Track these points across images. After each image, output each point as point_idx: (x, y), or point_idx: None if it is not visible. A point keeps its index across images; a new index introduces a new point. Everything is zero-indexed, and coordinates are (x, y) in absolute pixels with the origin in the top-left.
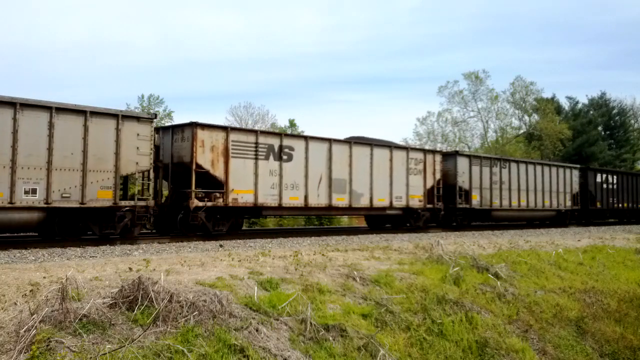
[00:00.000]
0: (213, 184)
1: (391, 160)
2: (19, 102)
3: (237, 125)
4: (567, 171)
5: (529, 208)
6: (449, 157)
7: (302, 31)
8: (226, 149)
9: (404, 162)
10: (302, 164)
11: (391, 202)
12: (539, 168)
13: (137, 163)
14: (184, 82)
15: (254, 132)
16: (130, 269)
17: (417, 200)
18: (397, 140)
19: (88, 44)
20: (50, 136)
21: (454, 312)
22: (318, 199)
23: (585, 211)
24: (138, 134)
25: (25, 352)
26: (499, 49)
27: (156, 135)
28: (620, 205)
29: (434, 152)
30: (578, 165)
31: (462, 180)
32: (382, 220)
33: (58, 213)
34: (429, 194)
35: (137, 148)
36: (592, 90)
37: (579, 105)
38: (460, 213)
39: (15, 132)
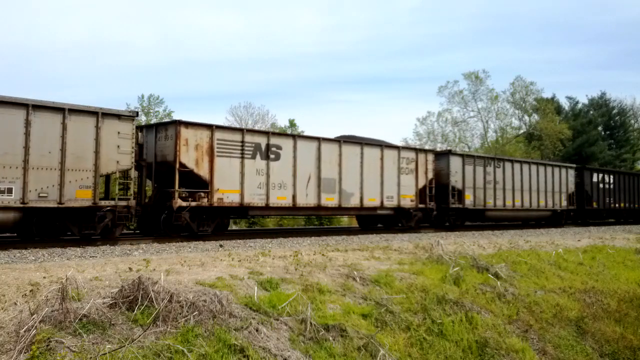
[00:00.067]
0: (197, 184)
1: (382, 159)
2: None
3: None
4: (563, 171)
5: (523, 208)
6: (442, 156)
7: (302, 31)
8: (211, 148)
9: (395, 161)
10: (290, 163)
11: (382, 202)
12: (534, 167)
13: (117, 162)
14: (184, 82)
15: (240, 130)
16: (130, 269)
17: (408, 200)
18: (397, 140)
19: (88, 44)
20: (27, 134)
21: (454, 312)
22: (307, 199)
23: (581, 211)
24: (119, 132)
25: (25, 352)
26: (499, 49)
27: (139, 134)
28: (617, 205)
29: (426, 151)
30: (574, 165)
31: (455, 180)
32: (373, 220)
33: (36, 213)
34: (421, 194)
35: (118, 146)
36: (592, 90)
37: (579, 105)
38: (453, 213)
39: None
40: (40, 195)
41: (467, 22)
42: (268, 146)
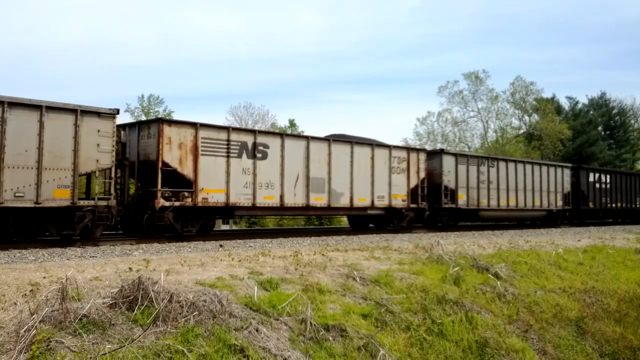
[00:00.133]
0: (181, 183)
1: (373, 158)
2: None
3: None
4: (559, 170)
5: (518, 208)
6: (434, 155)
7: (302, 31)
8: (195, 146)
9: (386, 160)
10: (277, 162)
11: (373, 202)
12: (528, 167)
13: (97, 161)
14: (184, 82)
15: (226, 128)
16: (130, 269)
17: (400, 199)
18: (397, 140)
19: (88, 44)
20: (2, 132)
21: (454, 312)
22: (295, 199)
23: (577, 211)
24: (99, 130)
25: (25, 352)
26: (499, 49)
27: (122, 132)
28: (613, 205)
29: (418, 150)
30: (569, 165)
31: (448, 180)
32: (364, 221)
33: (12, 213)
34: (413, 194)
35: (98, 145)
36: (592, 90)
37: (579, 105)
38: (446, 213)
39: None
40: (17, 195)
41: (467, 22)
42: (255, 145)
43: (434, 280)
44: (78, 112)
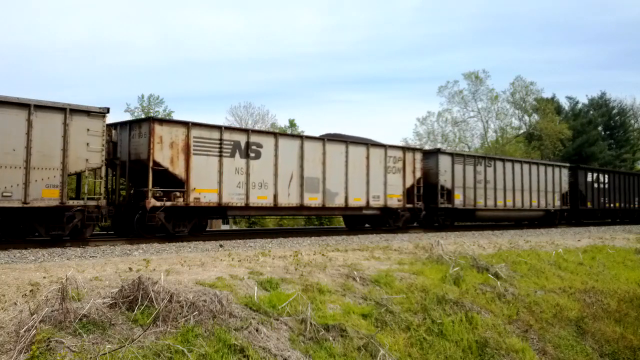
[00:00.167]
0: (173, 183)
1: (368, 158)
2: None
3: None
4: (556, 170)
5: (515, 208)
6: (431, 155)
7: (302, 31)
8: (187, 146)
9: (381, 160)
10: (271, 161)
11: (368, 202)
12: (526, 167)
13: (87, 160)
14: (184, 82)
15: (218, 127)
16: (130, 269)
17: (396, 199)
18: (397, 140)
19: (88, 44)
20: None
21: (454, 312)
22: (289, 199)
23: (575, 211)
24: (88, 129)
25: (25, 352)
26: (499, 49)
27: (114, 131)
28: (611, 205)
29: (414, 150)
30: (567, 164)
31: (444, 179)
32: (359, 221)
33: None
34: (409, 194)
35: (87, 144)
36: (592, 90)
37: (579, 105)
38: (442, 213)
39: None
40: (4, 194)
41: (467, 22)
42: (248, 144)
43: (434, 280)
44: (67, 111)
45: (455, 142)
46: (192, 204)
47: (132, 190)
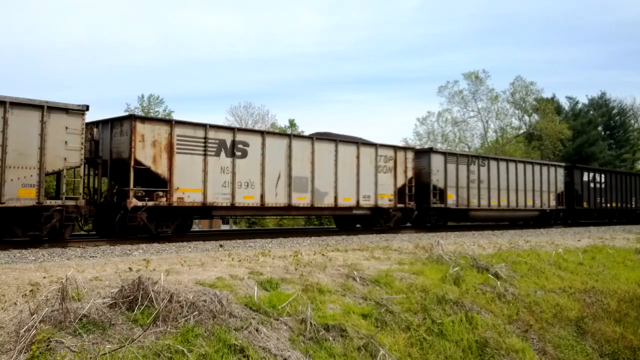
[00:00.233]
0: (155, 182)
1: (358, 157)
2: None
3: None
4: (552, 169)
5: (509, 208)
6: (423, 154)
7: (302, 31)
8: (170, 144)
9: (372, 159)
10: (258, 160)
11: (358, 202)
12: (520, 166)
13: (65, 159)
14: (184, 82)
15: (203, 126)
16: (130, 269)
17: (387, 199)
18: (397, 140)
19: (88, 44)
20: None
21: (454, 312)
22: (276, 198)
23: (571, 211)
24: (67, 127)
25: (25, 352)
26: (499, 49)
27: (95, 130)
28: (608, 205)
29: (405, 149)
30: (563, 164)
31: (437, 179)
32: (350, 221)
33: None
34: (401, 194)
35: (66, 142)
36: (592, 90)
37: (579, 105)
38: (435, 213)
39: None
40: None
41: (467, 22)
42: (234, 143)
43: (434, 280)
44: (44, 108)
45: (455, 142)
46: (175, 204)
47: (114, 190)
